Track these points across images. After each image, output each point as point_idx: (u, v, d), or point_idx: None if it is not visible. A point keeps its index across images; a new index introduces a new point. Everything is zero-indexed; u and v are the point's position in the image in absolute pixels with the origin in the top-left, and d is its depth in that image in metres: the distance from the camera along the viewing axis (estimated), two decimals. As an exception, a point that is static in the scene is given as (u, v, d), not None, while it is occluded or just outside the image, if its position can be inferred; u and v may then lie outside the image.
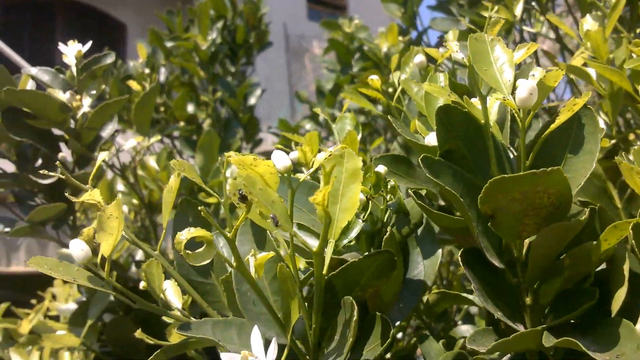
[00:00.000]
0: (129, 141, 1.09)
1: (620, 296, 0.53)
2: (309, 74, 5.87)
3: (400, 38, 1.60)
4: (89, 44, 1.01)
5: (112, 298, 1.17)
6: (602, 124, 0.87)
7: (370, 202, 0.60)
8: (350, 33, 1.93)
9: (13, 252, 3.28)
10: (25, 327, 1.36)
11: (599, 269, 0.56)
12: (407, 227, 0.60)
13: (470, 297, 0.71)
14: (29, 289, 1.57)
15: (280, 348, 0.51)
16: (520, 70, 0.61)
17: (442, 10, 1.69)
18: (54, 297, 1.46)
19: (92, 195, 0.55)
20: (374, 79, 0.81)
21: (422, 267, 0.63)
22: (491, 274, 0.53)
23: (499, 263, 0.53)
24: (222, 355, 0.49)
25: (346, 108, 0.95)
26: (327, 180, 0.41)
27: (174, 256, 0.62)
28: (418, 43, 1.69)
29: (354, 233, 0.60)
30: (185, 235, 0.45)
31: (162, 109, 1.74)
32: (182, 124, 1.68)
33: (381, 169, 0.58)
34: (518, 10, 1.22)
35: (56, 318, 1.39)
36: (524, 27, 1.25)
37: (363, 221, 0.60)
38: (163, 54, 1.84)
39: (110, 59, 1.05)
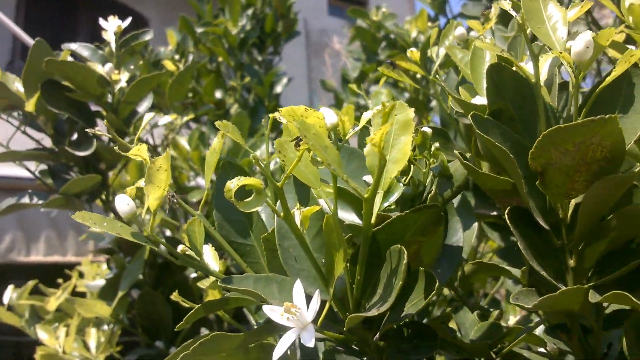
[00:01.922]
0: (164, 117, 1.10)
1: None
2: (329, 69, 5.87)
3: (430, 24, 1.59)
4: (129, 19, 1.02)
5: (140, 276, 1.19)
6: None
7: (412, 166, 0.60)
8: (377, 21, 1.93)
9: (33, 243, 3.32)
10: (52, 304, 1.38)
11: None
12: (449, 191, 0.59)
13: (507, 267, 0.70)
14: (47, 279, 1.59)
15: (322, 304, 0.51)
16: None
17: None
18: (81, 275, 1.48)
19: (140, 151, 0.55)
20: (414, 50, 0.80)
21: (461, 234, 0.63)
22: (536, 234, 0.53)
23: (544, 223, 0.53)
24: (265, 307, 0.49)
25: (382, 84, 0.95)
26: (385, 119, 0.41)
27: (215, 217, 0.62)
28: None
29: (394, 197, 0.59)
30: (235, 182, 0.45)
31: (190, 94, 1.75)
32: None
33: (427, 129, 0.58)
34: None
35: (83, 295, 1.41)
36: None
37: (404, 185, 0.60)
38: (192, 41, 1.85)
39: (148, 36, 1.06)
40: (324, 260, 0.53)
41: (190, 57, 1.88)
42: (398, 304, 0.52)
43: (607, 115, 0.42)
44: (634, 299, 0.42)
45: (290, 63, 6.23)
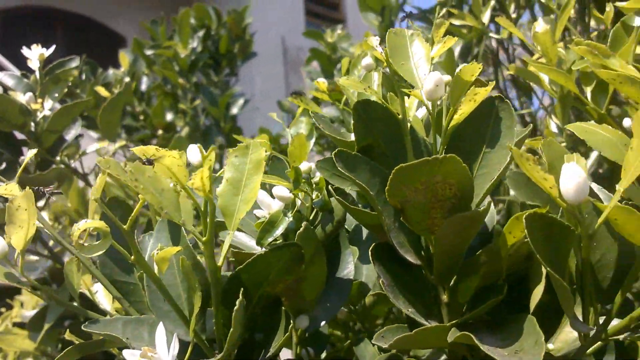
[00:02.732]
0: (92, 145, 1.09)
1: (537, 294, 0.52)
2: (306, 86, 5.91)
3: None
4: (52, 48, 1.01)
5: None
6: (553, 128, 0.87)
7: (298, 200, 0.60)
8: (332, 43, 1.94)
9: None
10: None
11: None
12: (330, 225, 0.59)
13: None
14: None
15: (186, 346, 0.50)
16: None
17: (423, 19, 1.69)
18: (22, 305, 1.46)
19: (8, 188, 0.54)
20: (320, 81, 0.81)
21: (352, 267, 0.62)
22: (406, 270, 0.52)
23: (414, 259, 0.52)
24: (124, 352, 0.48)
25: (300, 113, 0.95)
26: (204, 163, 0.40)
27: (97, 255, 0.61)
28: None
29: (279, 230, 0.59)
30: (81, 225, 0.44)
31: (141, 117, 1.75)
32: (160, 131, 1.68)
33: (304, 165, 0.58)
34: (486, 18, 1.22)
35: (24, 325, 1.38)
36: (493, 35, 1.25)
37: (290, 219, 0.59)
38: (145, 63, 1.84)
39: (74, 63, 1.05)
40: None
41: (144, 79, 1.88)
42: (266, 344, 0.52)
43: (443, 155, 0.42)
44: (475, 340, 0.42)
45: (268, 80, 6.27)
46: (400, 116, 0.52)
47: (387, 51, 0.52)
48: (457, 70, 0.52)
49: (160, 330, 0.49)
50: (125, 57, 1.83)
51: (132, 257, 0.46)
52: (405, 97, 0.55)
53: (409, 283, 0.52)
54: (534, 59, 0.92)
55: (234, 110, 2.01)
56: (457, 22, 1.25)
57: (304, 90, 2.02)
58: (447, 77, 0.52)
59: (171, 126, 1.70)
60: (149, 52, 1.77)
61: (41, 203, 1.09)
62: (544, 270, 0.50)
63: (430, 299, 0.54)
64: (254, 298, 0.51)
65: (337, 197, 0.54)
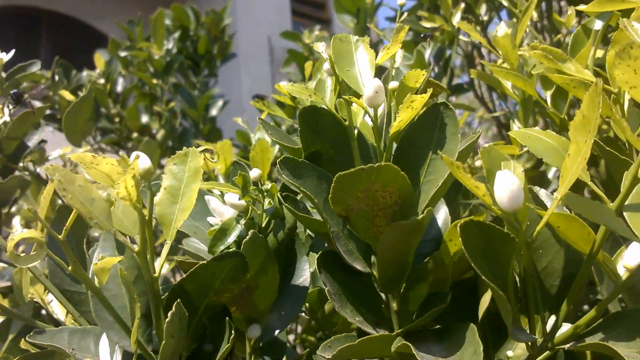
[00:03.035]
0: (55, 151, 1.08)
1: (484, 302, 0.52)
2: (293, 86, 5.88)
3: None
4: (12, 52, 1.00)
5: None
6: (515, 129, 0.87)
7: (251, 207, 0.59)
8: (309, 44, 1.93)
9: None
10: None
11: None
12: (282, 232, 0.58)
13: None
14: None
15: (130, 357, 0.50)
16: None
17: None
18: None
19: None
20: (282, 84, 0.80)
21: (308, 275, 0.62)
22: (355, 278, 0.52)
23: (363, 267, 0.52)
24: (68, 362, 0.48)
25: (265, 117, 0.94)
26: (128, 171, 0.40)
27: (47, 264, 0.61)
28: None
29: (231, 238, 0.58)
30: (16, 236, 0.43)
31: (117, 119, 1.73)
32: (135, 134, 1.67)
33: (254, 172, 0.57)
34: (456, 20, 1.22)
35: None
36: (462, 38, 1.25)
37: (244, 226, 0.59)
38: (121, 64, 1.83)
39: (35, 68, 1.04)
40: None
41: (120, 81, 1.86)
42: (215, 353, 0.51)
43: (378, 164, 0.42)
44: (413, 350, 0.42)
45: (255, 80, 6.24)
46: (346, 123, 0.52)
47: (332, 57, 0.51)
48: (402, 77, 0.51)
49: (104, 341, 0.48)
50: (100, 58, 1.81)
51: (70, 267, 0.45)
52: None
53: (358, 291, 0.52)
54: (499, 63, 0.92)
55: (213, 111, 1.99)
56: (428, 25, 1.25)
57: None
58: (395, 84, 0.52)
59: (146, 128, 1.69)
60: (122, 54, 1.75)
61: (5, 210, 1.08)
62: (491, 278, 0.50)
63: (381, 307, 0.53)
64: (199, 308, 0.50)
65: (286, 204, 0.53)
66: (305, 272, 0.62)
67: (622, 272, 0.50)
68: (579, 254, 0.48)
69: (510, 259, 0.44)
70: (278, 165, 0.49)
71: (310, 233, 0.67)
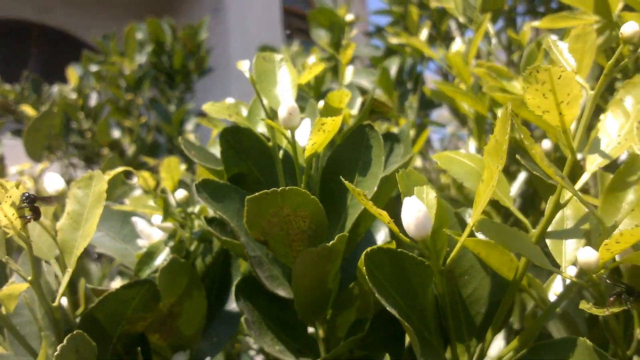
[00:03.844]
0: (12, 167, 1.06)
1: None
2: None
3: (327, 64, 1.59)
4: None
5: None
6: (472, 149, 0.86)
7: (180, 230, 0.57)
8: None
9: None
10: None
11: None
12: (209, 256, 0.57)
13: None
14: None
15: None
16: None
17: (378, 37, 1.69)
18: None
19: None
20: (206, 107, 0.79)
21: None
22: (277, 305, 0.50)
23: (287, 293, 0.50)
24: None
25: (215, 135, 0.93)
26: (7, 200, 0.38)
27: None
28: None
29: (158, 261, 0.57)
30: None
31: (89, 134, 1.71)
32: (106, 150, 1.65)
33: (180, 193, 0.55)
34: (423, 36, 1.22)
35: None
36: (430, 53, 1.24)
37: (170, 249, 0.57)
38: (94, 78, 1.81)
39: (-9, 82, 1.02)
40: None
41: (94, 95, 1.84)
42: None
43: (282, 188, 0.40)
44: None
45: (247, 96, 6.24)
46: (270, 144, 0.50)
47: (253, 77, 0.50)
48: (326, 97, 0.50)
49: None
50: (74, 73, 1.79)
51: (-32, 295, 0.43)
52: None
53: (282, 318, 0.50)
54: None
55: (189, 127, 1.98)
56: (395, 41, 1.24)
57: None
58: (322, 103, 0.51)
59: (117, 144, 1.67)
60: (93, 68, 1.73)
61: None
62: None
63: (306, 335, 0.52)
64: (113, 337, 0.48)
65: (209, 228, 0.51)
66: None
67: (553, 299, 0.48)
68: (506, 281, 0.46)
69: (426, 286, 0.42)
70: (195, 189, 0.47)
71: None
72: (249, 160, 0.52)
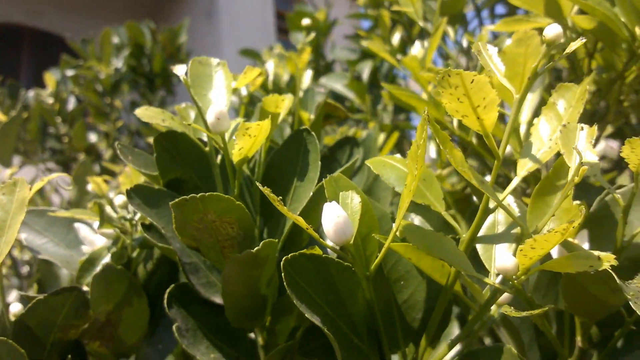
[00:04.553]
0: (-23, 171, 1.05)
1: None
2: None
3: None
4: None
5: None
6: (432, 154, 0.86)
7: (122, 236, 0.57)
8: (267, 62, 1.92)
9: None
10: None
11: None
12: (150, 263, 0.56)
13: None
14: None
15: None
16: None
17: (354, 41, 1.68)
18: None
19: None
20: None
21: (191, 304, 0.59)
22: (213, 313, 0.49)
23: (220, 301, 0.49)
24: None
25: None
26: None
27: None
28: (326, 70, 1.67)
29: (99, 268, 0.56)
30: None
31: (66, 139, 1.70)
32: (82, 155, 1.64)
33: (119, 199, 0.55)
34: (395, 40, 1.21)
35: None
36: (401, 57, 1.24)
37: (112, 255, 0.56)
38: (72, 83, 1.80)
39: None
40: None
41: (72, 100, 1.83)
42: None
43: (202, 194, 0.40)
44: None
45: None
46: (207, 149, 0.50)
47: (187, 81, 0.49)
48: (261, 102, 0.50)
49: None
50: (51, 77, 1.78)
51: None
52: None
53: (218, 326, 0.49)
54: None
55: (169, 130, 1.97)
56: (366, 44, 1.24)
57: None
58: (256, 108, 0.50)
59: (93, 148, 1.66)
60: (69, 73, 1.73)
61: None
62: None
63: (246, 342, 0.51)
64: (46, 344, 0.48)
65: (146, 234, 0.51)
66: (186, 302, 0.59)
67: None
68: (440, 286, 0.46)
69: (354, 293, 0.42)
70: (126, 195, 0.47)
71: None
72: (187, 165, 0.51)
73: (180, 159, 0.51)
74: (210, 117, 0.44)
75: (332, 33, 1.71)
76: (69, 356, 0.46)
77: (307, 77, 0.78)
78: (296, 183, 0.50)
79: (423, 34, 1.32)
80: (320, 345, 0.50)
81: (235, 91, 0.50)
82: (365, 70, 1.26)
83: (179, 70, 0.50)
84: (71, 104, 1.82)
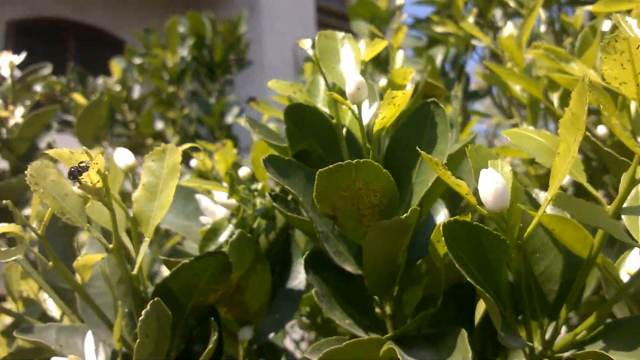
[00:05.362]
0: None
1: (481, 307, 0.50)
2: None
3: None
4: (23, 55, 1.01)
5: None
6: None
7: (242, 207, 0.58)
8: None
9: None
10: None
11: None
12: (273, 233, 0.57)
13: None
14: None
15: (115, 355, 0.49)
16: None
17: (419, 28, 1.68)
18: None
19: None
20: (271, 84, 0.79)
21: (303, 277, 0.60)
22: (346, 280, 0.50)
23: (354, 269, 0.50)
24: (53, 359, 0.47)
25: (267, 119, 0.93)
26: (91, 166, 0.39)
27: (39, 261, 0.60)
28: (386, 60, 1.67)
29: (222, 238, 0.58)
30: (-4, 229, 0.43)
31: (132, 125, 1.74)
32: (150, 140, 1.68)
33: (243, 171, 0.56)
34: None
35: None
36: (475, 42, 1.23)
37: (234, 226, 0.58)
38: (137, 71, 1.85)
39: (47, 71, 1.05)
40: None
41: (137, 88, 1.88)
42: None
43: (356, 160, 0.40)
44: (399, 354, 0.40)
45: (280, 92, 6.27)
46: (334, 121, 0.51)
47: (317, 54, 0.50)
48: (389, 73, 0.50)
49: (89, 338, 0.47)
50: (117, 65, 1.83)
51: (50, 263, 0.44)
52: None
53: (349, 294, 0.50)
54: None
55: (229, 119, 2.00)
56: (440, 30, 1.24)
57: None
58: (384, 81, 0.51)
59: (160, 135, 1.69)
60: (137, 61, 1.77)
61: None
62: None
63: (373, 311, 0.52)
64: (186, 308, 0.49)
65: (275, 204, 0.52)
66: (300, 274, 0.61)
67: (626, 278, 0.47)
68: (579, 259, 0.46)
69: (501, 261, 0.42)
70: (263, 164, 0.48)
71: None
72: (312, 137, 0.52)
73: (306, 131, 0.52)
74: (350, 87, 0.45)
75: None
76: (212, 319, 0.48)
77: (399, 57, 0.79)
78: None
79: (493, 20, 1.30)
80: (450, 317, 0.51)
81: (364, 63, 0.50)
82: (439, 56, 1.26)
83: (305, 44, 0.51)
84: (136, 92, 1.86)
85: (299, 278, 0.61)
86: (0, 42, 5.94)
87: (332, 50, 0.51)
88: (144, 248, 0.43)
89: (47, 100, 1.62)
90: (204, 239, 0.57)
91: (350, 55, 0.50)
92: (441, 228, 0.38)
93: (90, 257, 0.45)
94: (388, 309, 0.52)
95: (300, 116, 0.51)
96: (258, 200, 0.58)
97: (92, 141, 1.16)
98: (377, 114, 0.53)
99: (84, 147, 0.43)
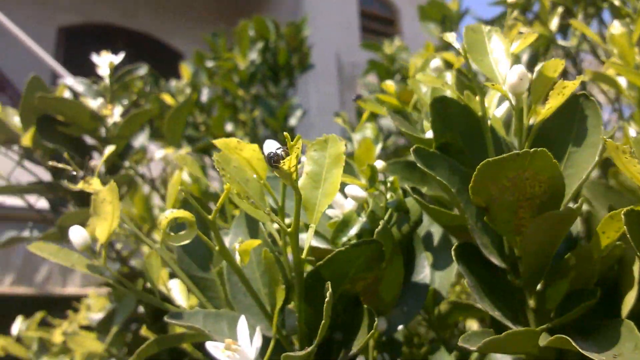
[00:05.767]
0: (159, 151, 1.12)
1: (629, 299, 0.50)
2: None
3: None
4: (122, 55, 1.05)
5: (141, 308, 1.19)
6: (633, 134, 0.83)
7: (371, 200, 0.59)
8: (390, 54, 1.93)
9: (69, 274, 3.37)
10: (57, 336, 1.40)
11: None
12: (406, 225, 0.58)
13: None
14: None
15: (268, 340, 0.50)
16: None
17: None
18: (89, 308, 1.50)
19: (89, 183, 0.56)
20: (388, 83, 0.80)
21: (428, 272, 0.61)
22: (490, 272, 0.51)
23: (499, 262, 0.51)
24: (207, 344, 0.49)
25: (366, 118, 0.95)
26: (291, 151, 0.41)
27: (175, 250, 0.62)
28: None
29: (353, 230, 0.58)
30: (168, 214, 0.45)
31: (203, 127, 1.78)
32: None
33: (379, 163, 0.57)
34: (554, 25, 1.19)
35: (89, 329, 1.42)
36: (561, 42, 1.21)
37: (365, 218, 0.59)
38: (205, 75, 1.89)
39: (142, 71, 1.09)
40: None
41: (205, 91, 1.92)
42: (347, 343, 0.51)
43: (534, 149, 0.41)
44: (574, 344, 0.40)
45: (323, 96, 6.30)
46: (480, 113, 0.51)
47: (465, 47, 0.51)
48: (539, 66, 0.50)
49: (243, 323, 0.48)
50: (186, 69, 1.88)
51: (217, 247, 0.46)
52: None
53: (493, 286, 0.51)
54: (608, 64, 0.89)
55: (292, 121, 2.02)
56: (524, 30, 1.22)
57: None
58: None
59: (231, 137, 1.72)
60: (209, 64, 1.81)
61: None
62: (636, 275, 0.48)
63: (516, 304, 0.52)
64: (335, 295, 0.51)
65: (414, 196, 0.53)
66: (425, 268, 0.61)
67: None
68: None
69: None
70: (413, 154, 0.49)
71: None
72: (454, 130, 0.53)
73: (450, 123, 0.53)
74: (512, 78, 0.45)
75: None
76: (365, 307, 0.49)
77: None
78: (570, 149, 0.50)
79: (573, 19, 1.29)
80: (598, 312, 0.51)
81: (514, 55, 0.51)
82: (524, 55, 1.25)
83: (450, 38, 0.52)
84: (204, 95, 1.90)
85: (423, 272, 0.61)
86: (51, 47, 6.14)
87: (480, 43, 0.51)
88: (311, 233, 0.45)
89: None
90: (336, 230, 0.58)
91: (500, 47, 0.50)
92: (622, 216, 0.38)
93: (250, 243, 0.47)
94: (532, 303, 0.52)
95: (444, 109, 0.52)
96: (389, 194, 0.58)
97: (180, 140, 1.19)
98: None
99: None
